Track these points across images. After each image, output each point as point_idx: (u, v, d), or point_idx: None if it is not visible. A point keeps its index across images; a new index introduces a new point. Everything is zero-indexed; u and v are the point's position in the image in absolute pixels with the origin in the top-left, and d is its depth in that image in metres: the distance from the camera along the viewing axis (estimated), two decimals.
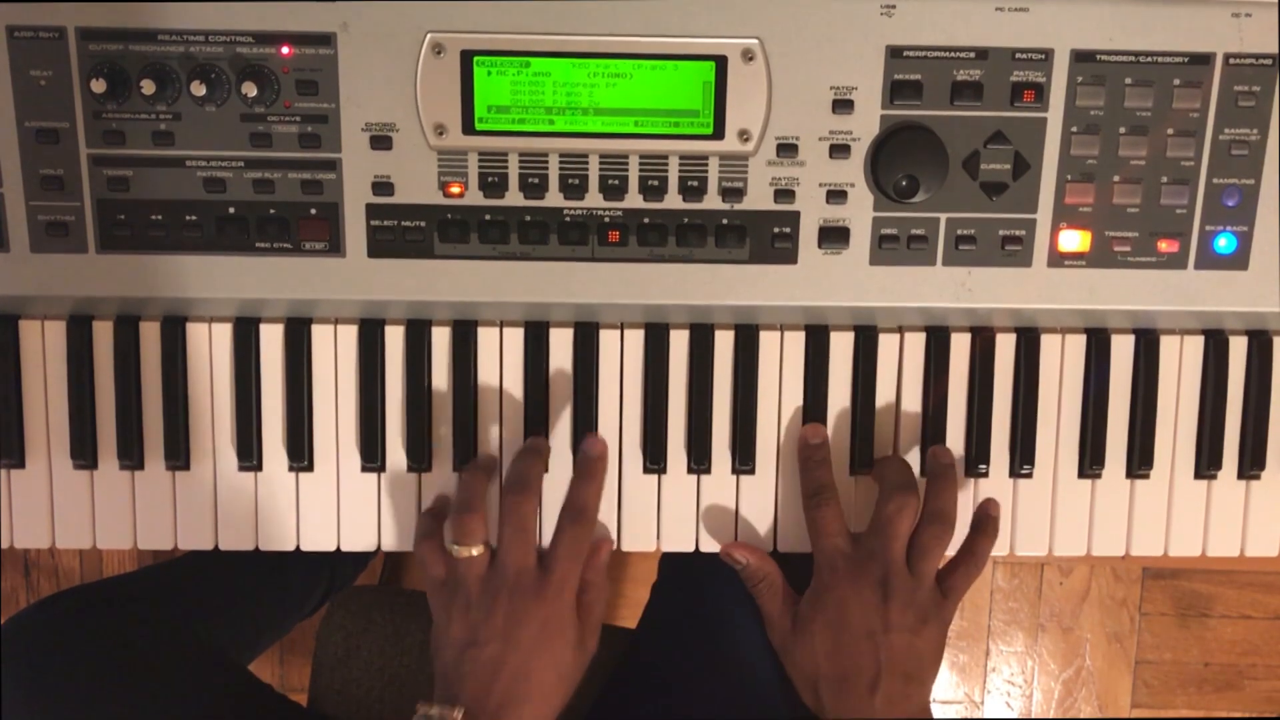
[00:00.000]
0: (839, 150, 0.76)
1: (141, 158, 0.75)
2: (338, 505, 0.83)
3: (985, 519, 0.82)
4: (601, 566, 0.81)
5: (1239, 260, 0.79)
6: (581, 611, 0.79)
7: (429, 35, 0.73)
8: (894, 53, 0.74)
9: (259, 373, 0.81)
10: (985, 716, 1.71)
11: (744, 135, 0.75)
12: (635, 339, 0.82)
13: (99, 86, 0.72)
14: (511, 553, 0.77)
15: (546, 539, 0.81)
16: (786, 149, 0.76)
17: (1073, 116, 0.76)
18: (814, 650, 0.77)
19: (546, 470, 0.82)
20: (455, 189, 0.76)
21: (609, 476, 0.82)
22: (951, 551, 0.82)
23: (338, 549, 0.83)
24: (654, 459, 0.82)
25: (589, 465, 0.80)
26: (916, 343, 0.82)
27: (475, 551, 0.76)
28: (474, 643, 0.75)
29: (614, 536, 0.83)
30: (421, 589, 0.84)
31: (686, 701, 0.91)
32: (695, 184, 0.76)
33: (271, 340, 0.81)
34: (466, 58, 0.73)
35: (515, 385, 0.82)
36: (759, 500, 0.83)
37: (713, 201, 0.77)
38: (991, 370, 0.82)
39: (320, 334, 0.81)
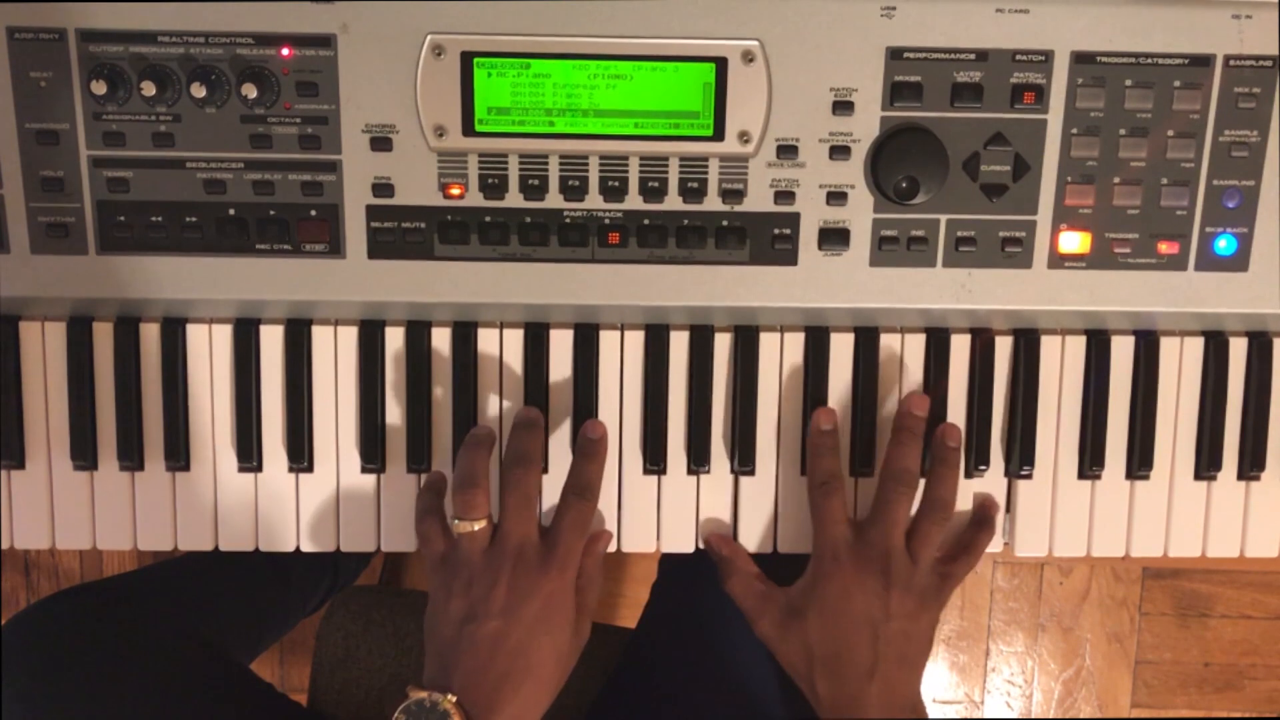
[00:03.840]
0: (839, 152, 0.76)
1: (142, 159, 0.75)
2: (337, 506, 0.83)
3: (984, 514, 0.83)
4: (599, 556, 0.81)
5: (1239, 262, 0.79)
6: (578, 594, 0.78)
7: (429, 36, 0.73)
8: (894, 54, 0.74)
9: (259, 374, 0.81)
10: (985, 717, 1.71)
11: (744, 137, 0.75)
12: (635, 340, 0.82)
13: (99, 88, 0.72)
14: (515, 524, 0.76)
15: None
16: (786, 150, 0.76)
17: (1073, 118, 0.76)
18: (809, 636, 0.77)
19: (546, 446, 0.81)
20: (455, 190, 0.76)
21: (609, 478, 0.82)
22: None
23: (338, 549, 0.84)
24: (654, 460, 0.82)
25: (590, 446, 0.80)
26: (916, 344, 0.82)
27: (477, 526, 0.76)
28: (473, 618, 0.74)
29: (614, 533, 0.83)
30: (422, 589, 0.84)
31: (684, 702, 0.91)
32: (695, 185, 0.76)
33: (271, 341, 0.81)
34: (466, 59, 0.73)
35: (515, 386, 0.82)
36: (759, 501, 0.84)
37: (713, 203, 0.77)
38: (991, 371, 0.83)
39: (320, 335, 0.81)
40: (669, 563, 1.04)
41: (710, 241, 0.77)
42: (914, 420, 0.81)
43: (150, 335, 0.80)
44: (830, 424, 0.81)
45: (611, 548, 0.83)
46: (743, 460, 0.83)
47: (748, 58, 0.74)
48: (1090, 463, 0.83)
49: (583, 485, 0.79)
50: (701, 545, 0.84)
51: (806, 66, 0.74)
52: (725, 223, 0.77)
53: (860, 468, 0.83)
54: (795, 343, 0.82)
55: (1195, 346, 0.83)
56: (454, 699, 0.71)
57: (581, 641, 0.79)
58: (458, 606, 0.75)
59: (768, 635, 0.80)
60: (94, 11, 0.72)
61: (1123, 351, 0.83)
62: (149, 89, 0.72)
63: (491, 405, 0.82)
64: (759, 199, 0.77)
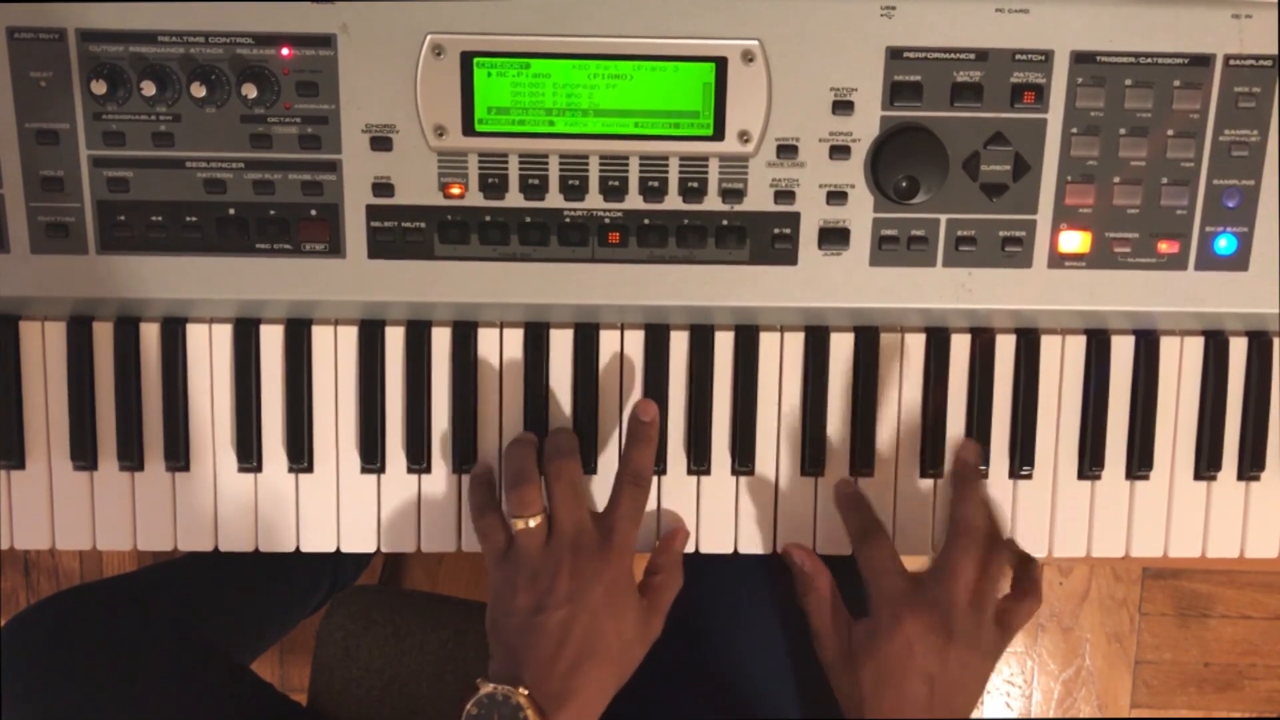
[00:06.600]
0: (839, 151, 0.76)
1: (142, 159, 0.75)
2: (337, 507, 0.83)
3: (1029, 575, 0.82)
4: (677, 553, 0.81)
5: (1239, 261, 0.79)
6: (650, 593, 0.79)
7: (429, 36, 0.73)
8: (894, 54, 0.74)
9: (259, 374, 0.81)
10: (985, 717, 1.71)
11: (744, 136, 0.75)
12: (635, 340, 0.82)
13: (99, 88, 0.72)
14: (567, 514, 0.77)
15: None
16: (786, 150, 0.76)
17: (1073, 118, 0.76)
18: (864, 683, 0.77)
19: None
20: (455, 190, 0.76)
21: (608, 479, 0.82)
22: None
23: (337, 550, 0.83)
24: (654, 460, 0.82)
25: (642, 430, 0.80)
26: (917, 344, 0.82)
27: (534, 522, 0.76)
28: (541, 608, 0.75)
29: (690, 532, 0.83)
30: (422, 589, 0.84)
31: (677, 701, 0.91)
32: (695, 185, 0.76)
33: (271, 341, 0.81)
34: (466, 59, 0.73)
35: (515, 386, 0.82)
36: (759, 501, 0.84)
37: (713, 202, 0.77)
38: (991, 371, 0.83)
39: (320, 335, 0.81)
40: None
41: (710, 241, 0.77)
42: (969, 469, 0.81)
43: (150, 335, 0.80)
44: (850, 488, 0.82)
45: (688, 538, 0.83)
46: (743, 461, 0.82)
47: (748, 58, 0.74)
48: (1090, 463, 0.83)
49: (635, 472, 0.80)
50: (780, 552, 0.83)
51: (806, 66, 0.74)
52: (725, 222, 0.77)
53: (860, 468, 0.83)
54: (795, 343, 0.82)
55: (1195, 346, 0.83)
56: (525, 692, 0.72)
57: (650, 635, 0.79)
58: (524, 600, 0.75)
59: (826, 663, 0.80)
60: (94, 11, 0.72)
61: (1123, 351, 0.83)
62: (149, 89, 0.72)
63: (491, 406, 0.82)
64: (759, 199, 0.77)
